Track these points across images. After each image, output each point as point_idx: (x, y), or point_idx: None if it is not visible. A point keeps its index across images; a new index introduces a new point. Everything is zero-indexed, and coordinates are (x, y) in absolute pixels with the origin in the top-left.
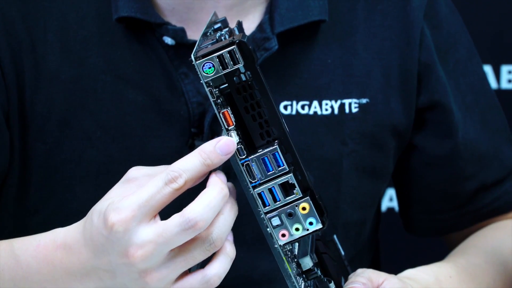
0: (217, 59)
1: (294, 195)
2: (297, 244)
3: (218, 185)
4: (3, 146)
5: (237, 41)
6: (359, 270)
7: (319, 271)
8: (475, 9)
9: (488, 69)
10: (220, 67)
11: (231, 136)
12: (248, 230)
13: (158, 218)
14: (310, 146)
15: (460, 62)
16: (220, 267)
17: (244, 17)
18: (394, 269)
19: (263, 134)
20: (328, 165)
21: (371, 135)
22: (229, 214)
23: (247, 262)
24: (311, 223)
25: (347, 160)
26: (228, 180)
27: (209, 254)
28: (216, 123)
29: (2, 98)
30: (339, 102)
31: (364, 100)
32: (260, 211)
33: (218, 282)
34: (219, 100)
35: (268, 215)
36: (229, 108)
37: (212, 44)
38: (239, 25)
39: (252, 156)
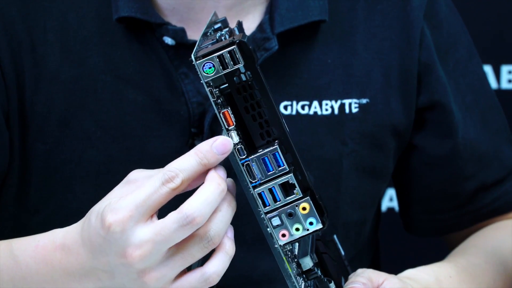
0: (217, 59)
1: (294, 195)
2: (297, 244)
3: (215, 181)
4: (3, 146)
5: (237, 41)
6: (359, 270)
7: (319, 271)
8: (475, 9)
9: (488, 69)
10: (220, 67)
11: (231, 136)
12: (248, 230)
13: (155, 217)
14: (310, 146)
15: (460, 62)
16: (219, 265)
17: (244, 17)
18: (394, 269)
19: (263, 134)
20: (328, 165)
21: (371, 135)
22: (227, 211)
23: (247, 262)
24: (311, 223)
25: (347, 160)
26: None
27: (207, 252)
28: (216, 123)
29: (2, 98)
30: (339, 102)
31: (364, 100)
32: (260, 211)
33: (217, 280)
34: (219, 100)
35: (268, 215)
36: (229, 108)
37: (212, 44)
38: (239, 25)
39: (252, 156)
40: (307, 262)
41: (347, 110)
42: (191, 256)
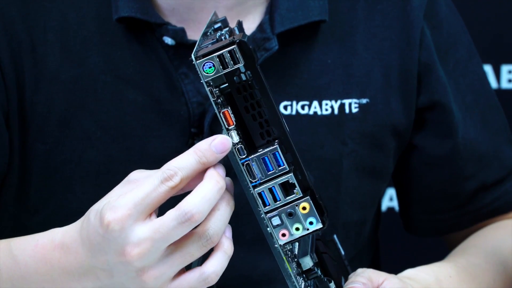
0: (218, 59)
1: (294, 195)
2: (297, 243)
3: (214, 178)
4: (3, 146)
5: (238, 40)
6: (359, 270)
7: (319, 271)
8: (475, 9)
9: (488, 69)
10: (221, 67)
11: (231, 136)
12: (248, 230)
13: (154, 216)
14: (310, 146)
15: (460, 62)
16: (217, 265)
17: (244, 17)
18: (394, 269)
19: (263, 134)
20: (328, 165)
21: (371, 135)
22: (226, 209)
23: (247, 262)
24: (311, 223)
25: (347, 160)
26: None
27: (206, 250)
28: (216, 123)
29: (2, 98)
30: (339, 102)
31: (364, 100)
32: (260, 210)
33: (216, 279)
34: (219, 100)
35: (268, 215)
36: (229, 107)
37: (212, 43)
38: (239, 24)
39: (252, 156)
40: (307, 262)
41: (347, 110)
42: (190, 254)
